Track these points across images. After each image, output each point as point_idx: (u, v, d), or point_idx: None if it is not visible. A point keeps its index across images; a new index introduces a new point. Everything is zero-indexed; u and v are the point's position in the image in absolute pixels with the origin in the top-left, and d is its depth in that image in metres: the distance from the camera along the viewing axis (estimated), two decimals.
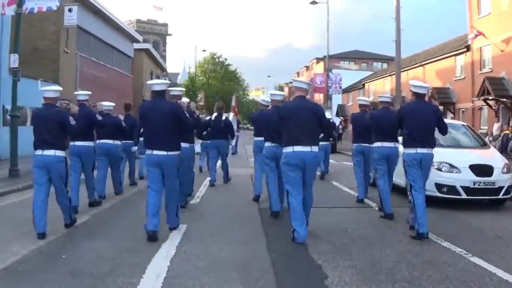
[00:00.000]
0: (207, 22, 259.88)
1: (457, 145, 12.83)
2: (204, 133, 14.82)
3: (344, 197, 13.14)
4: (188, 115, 8.81)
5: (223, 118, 15.10)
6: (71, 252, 7.13)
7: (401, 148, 9.48)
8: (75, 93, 11.28)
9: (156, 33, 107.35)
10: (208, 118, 18.89)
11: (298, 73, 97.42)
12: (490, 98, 28.36)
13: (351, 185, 13.93)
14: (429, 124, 8.65)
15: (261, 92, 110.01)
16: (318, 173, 16.29)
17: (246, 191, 13.49)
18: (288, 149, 7.99)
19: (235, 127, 17.30)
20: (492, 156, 12.14)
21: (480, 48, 31.21)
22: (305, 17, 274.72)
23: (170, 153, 8.09)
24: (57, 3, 16.36)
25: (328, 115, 14.74)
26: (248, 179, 16.43)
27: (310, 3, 40.53)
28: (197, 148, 15.98)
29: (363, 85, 54.96)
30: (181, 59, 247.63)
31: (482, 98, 28.97)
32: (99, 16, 35.96)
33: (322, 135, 8.92)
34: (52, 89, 8.76)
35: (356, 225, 9.25)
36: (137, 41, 48.88)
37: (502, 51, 28.52)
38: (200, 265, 6.50)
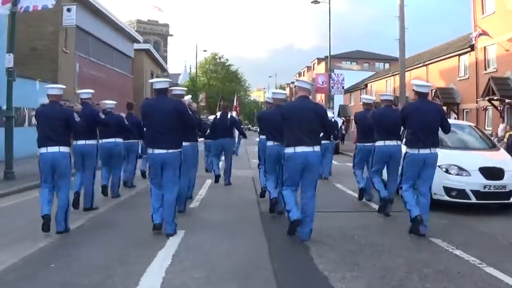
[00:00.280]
0: (209, 23, 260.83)
1: (465, 146, 12.41)
2: (208, 131, 14.70)
3: (348, 200, 12.75)
4: (190, 113, 8.85)
5: (228, 116, 15.18)
6: (60, 260, 6.69)
7: (404, 148, 9.35)
8: (78, 91, 11.27)
9: (157, 34, 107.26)
10: (210, 117, 18.94)
11: (299, 74, 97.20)
12: (495, 98, 27.85)
13: (354, 188, 13.48)
14: (432, 123, 8.63)
15: (262, 92, 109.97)
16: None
17: (247, 194, 13.28)
18: (289, 150, 7.99)
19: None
20: (502, 159, 11.66)
21: (485, 47, 30.73)
22: (307, 18, 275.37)
23: (170, 151, 8.08)
24: (53, 2, 15.99)
25: (329, 114, 14.34)
26: (249, 180, 16.30)
27: (312, 2, 40.26)
28: (200, 147, 15.73)
29: (366, 85, 54.60)
30: (182, 59, 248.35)
31: (486, 98, 28.44)
32: (99, 16, 35.59)
33: (322, 134, 8.80)
34: (56, 87, 8.88)
35: (362, 230, 8.82)
36: (137, 41, 48.58)
37: (507, 50, 28.06)
38: (197, 276, 6.07)
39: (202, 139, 16.40)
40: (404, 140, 9.52)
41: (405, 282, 5.94)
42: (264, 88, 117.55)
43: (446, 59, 35.57)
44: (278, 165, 9.69)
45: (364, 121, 11.76)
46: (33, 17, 25.16)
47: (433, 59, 37.39)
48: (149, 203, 8.53)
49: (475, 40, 30.30)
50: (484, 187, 10.53)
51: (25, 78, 23.11)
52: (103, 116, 10.58)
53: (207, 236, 8.30)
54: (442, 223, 9.65)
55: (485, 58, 30.98)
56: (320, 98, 64.56)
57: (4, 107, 15.55)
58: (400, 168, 9.41)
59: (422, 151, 8.46)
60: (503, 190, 10.61)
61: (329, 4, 40.23)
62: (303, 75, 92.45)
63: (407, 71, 28.93)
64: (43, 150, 8.24)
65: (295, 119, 7.99)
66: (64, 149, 8.29)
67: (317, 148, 7.99)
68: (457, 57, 34.19)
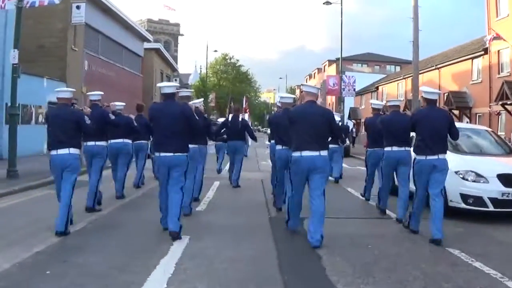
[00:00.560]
0: (220, 23, 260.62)
1: (482, 152, 12.01)
2: (217, 134, 14.91)
3: (361, 206, 12.37)
4: (197, 117, 8.87)
5: (240, 119, 15.31)
6: (57, 267, 6.29)
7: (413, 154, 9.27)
8: (88, 93, 11.31)
9: (167, 33, 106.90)
10: (219, 120, 19.09)
11: (310, 75, 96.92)
12: (508, 103, 27.37)
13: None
14: (441, 130, 8.66)
15: (272, 94, 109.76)
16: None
17: (256, 197, 12.99)
18: (296, 154, 8.04)
19: None
20: None
21: (498, 51, 30.25)
22: (318, 20, 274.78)
23: (176, 154, 8.13)
24: None
25: (336, 117, 14.65)
26: (258, 183, 16.09)
27: (324, 3, 39.80)
28: (211, 149, 16.62)
29: (377, 88, 54.15)
30: (193, 59, 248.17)
31: (500, 103, 27.96)
32: (108, 14, 35.36)
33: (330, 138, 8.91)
34: (66, 90, 9.01)
35: (376, 239, 8.40)
36: (148, 40, 48.36)
37: None
38: (201, 287, 5.68)
39: (213, 142, 16.55)
40: (413, 146, 9.41)
41: None
42: (274, 90, 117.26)
43: (459, 63, 35.05)
44: (286, 169, 9.61)
45: (374, 127, 11.62)
46: (41, 14, 25.08)
47: (445, 62, 36.86)
48: (154, 205, 8.54)
49: (489, 43, 29.76)
50: (502, 195, 10.08)
51: (33, 76, 22.96)
52: (112, 117, 10.73)
53: (212, 242, 7.91)
54: (457, 231, 9.30)
55: (498, 61, 30.50)
56: (330, 100, 64.20)
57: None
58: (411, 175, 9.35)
59: (430, 157, 8.46)
60: None
61: (341, 5, 39.83)
62: (314, 77, 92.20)
63: (419, 74, 28.46)
64: (54, 152, 8.34)
65: (302, 123, 8.06)
66: (74, 151, 8.39)
67: (324, 153, 7.99)
68: (470, 60, 33.68)
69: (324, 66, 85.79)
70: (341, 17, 39.49)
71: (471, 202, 10.25)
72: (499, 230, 9.56)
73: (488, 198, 10.11)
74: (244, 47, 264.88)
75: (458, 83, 35.26)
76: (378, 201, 11.15)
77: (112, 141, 11.74)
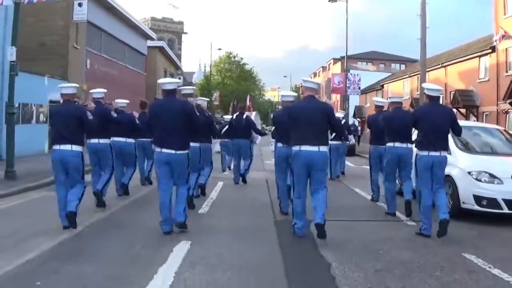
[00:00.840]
0: (224, 22, 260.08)
1: (494, 151, 11.58)
2: (224, 131, 15.70)
3: (370, 208, 11.94)
4: (198, 114, 8.94)
5: (244, 117, 15.45)
6: (48, 277, 5.86)
7: (415, 150, 9.42)
8: (91, 91, 11.34)
9: (171, 31, 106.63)
10: (225, 117, 20.85)
11: (314, 74, 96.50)
12: None
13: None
14: (443, 126, 8.69)
15: (276, 92, 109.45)
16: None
17: (260, 198, 12.68)
18: (296, 148, 8.11)
19: (258, 126, 16.81)
20: None
21: (506, 49, 29.76)
22: (323, 19, 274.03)
23: (178, 152, 8.18)
24: None
25: (339, 115, 16.43)
26: (263, 182, 15.84)
27: (329, 0, 39.66)
28: (217, 147, 17.17)
29: (382, 86, 53.67)
30: (197, 58, 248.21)
31: (508, 101, 27.60)
32: (111, 12, 35.02)
33: (334, 134, 9.40)
34: (70, 86, 9.10)
35: (387, 244, 7.96)
36: (151, 38, 48.06)
37: None
38: None
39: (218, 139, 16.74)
40: (414, 142, 9.56)
41: None
42: (278, 88, 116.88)
43: (465, 61, 34.54)
44: (286, 166, 9.76)
45: (376, 124, 11.63)
46: (43, 12, 24.94)
47: (452, 60, 36.37)
48: (155, 207, 8.44)
49: (499, 41, 29.26)
50: None
51: (34, 74, 22.71)
52: (115, 115, 10.73)
53: (215, 248, 7.46)
54: (472, 234, 8.95)
55: (506, 59, 30.04)
56: (335, 98, 63.82)
57: (16, 105, 14.95)
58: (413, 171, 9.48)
59: (432, 153, 8.51)
60: None
61: (347, 2, 39.57)
62: (318, 76, 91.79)
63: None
64: (56, 147, 8.39)
65: (302, 119, 8.11)
66: (76, 147, 8.40)
67: (323, 148, 8.03)
68: (477, 58, 33.17)
69: (329, 65, 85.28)
70: (347, 14, 39.36)
71: (484, 204, 9.87)
72: None
73: (503, 199, 9.74)
74: (248, 45, 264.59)
75: (464, 81, 34.79)
76: (387, 206, 10.82)
77: (115, 139, 11.64)
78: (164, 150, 8.15)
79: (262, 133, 17.08)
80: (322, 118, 8.13)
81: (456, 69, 35.96)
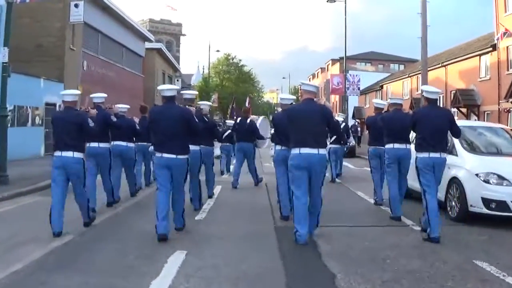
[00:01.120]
0: (222, 23, 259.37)
1: (500, 152, 11.19)
2: (225, 135, 16.19)
3: (373, 212, 11.51)
4: (197, 120, 8.97)
5: (248, 121, 15.42)
6: None
7: (413, 150, 9.31)
8: (91, 95, 11.21)
9: (169, 33, 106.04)
10: (228, 122, 21.40)
11: (313, 75, 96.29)
12: None
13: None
14: (442, 128, 8.68)
15: (275, 94, 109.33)
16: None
17: (260, 202, 12.38)
18: (295, 151, 8.12)
19: (267, 131, 16.46)
20: None
21: (507, 47, 29.48)
22: (321, 21, 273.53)
23: (179, 156, 8.26)
24: None
25: (340, 118, 16.78)
26: (262, 186, 15.66)
27: (327, 1, 39.46)
28: (217, 151, 17.16)
29: (381, 86, 53.39)
30: (195, 60, 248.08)
31: (510, 100, 27.37)
32: (108, 13, 34.76)
33: (334, 137, 9.45)
34: (71, 93, 9.08)
35: (394, 251, 7.58)
36: (149, 40, 47.83)
37: None
38: None
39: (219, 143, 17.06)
40: (413, 144, 9.41)
41: None
42: (277, 90, 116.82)
43: (466, 60, 34.28)
44: (287, 168, 9.31)
45: (375, 124, 11.66)
46: (39, 13, 24.81)
47: (452, 59, 36.08)
48: (150, 214, 8.36)
49: (501, 38, 28.93)
50: None
51: (29, 76, 22.49)
52: (115, 119, 10.76)
53: (212, 258, 7.05)
54: (482, 239, 8.59)
55: (507, 58, 29.77)
56: (334, 99, 63.55)
57: (9, 106, 14.61)
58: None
59: (432, 155, 8.48)
60: None
61: (345, 3, 39.30)
62: (317, 77, 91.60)
63: None
64: (58, 154, 8.40)
65: (301, 121, 8.15)
66: (78, 154, 8.44)
67: (322, 151, 8.08)
68: (478, 57, 32.92)
69: (328, 66, 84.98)
70: (345, 15, 39.15)
71: (493, 206, 9.51)
72: None
73: None
74: (246, 47, 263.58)
75: (465, 80, 34.49)
76: (391, 210, 10.54)
77: (116, 142, 11.69)
78: (165, 155, 8.21)
79: (262, 137, 16.78)
80: (321, 121, 8.20)
81: (457, 68, 35.72)
